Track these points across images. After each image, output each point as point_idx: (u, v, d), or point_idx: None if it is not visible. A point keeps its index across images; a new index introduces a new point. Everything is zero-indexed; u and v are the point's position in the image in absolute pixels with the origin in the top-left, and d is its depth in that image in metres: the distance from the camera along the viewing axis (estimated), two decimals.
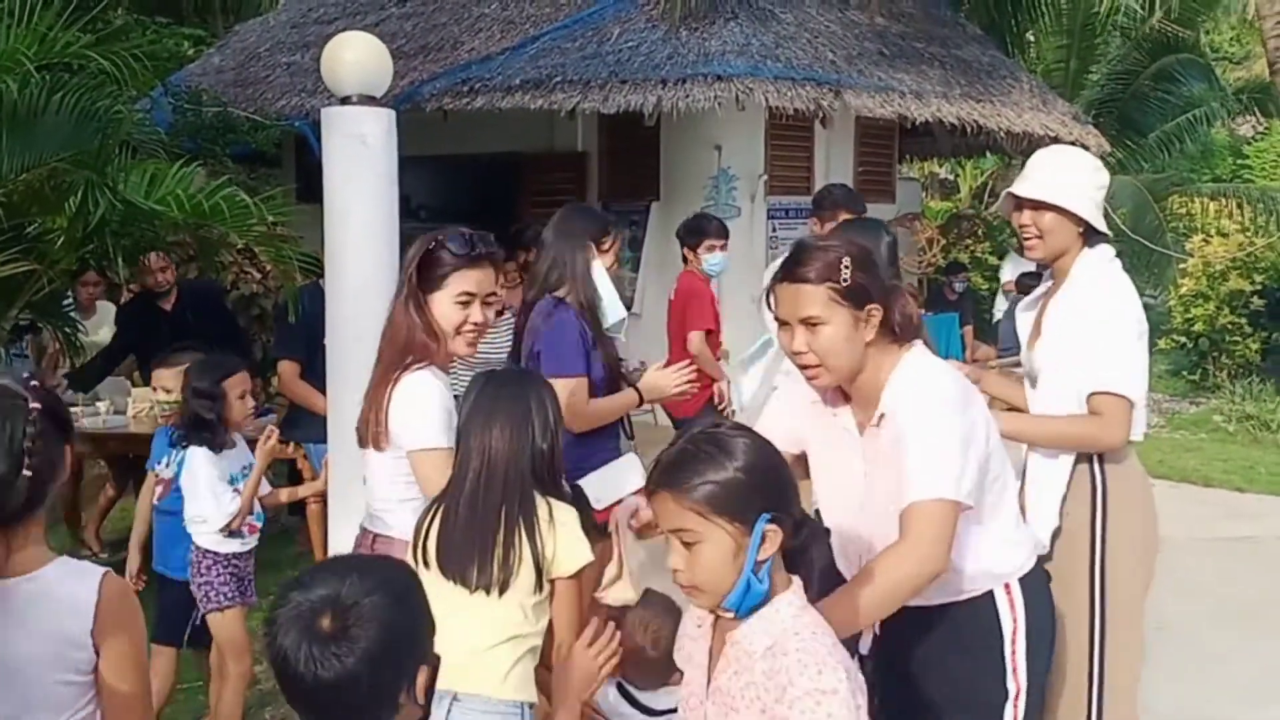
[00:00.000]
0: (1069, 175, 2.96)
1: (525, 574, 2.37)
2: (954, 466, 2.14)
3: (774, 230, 9.23)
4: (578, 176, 9.70)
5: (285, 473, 6.20)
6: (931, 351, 2.32)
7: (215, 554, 3.72)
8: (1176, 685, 4.44)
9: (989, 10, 13.12)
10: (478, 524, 2.36)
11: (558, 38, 8.82)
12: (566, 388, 3.11)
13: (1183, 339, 11.30)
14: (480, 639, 2.36)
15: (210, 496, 3.68)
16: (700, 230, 5.81)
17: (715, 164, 8.98)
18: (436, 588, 2.28)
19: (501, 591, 2.36)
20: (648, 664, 2.72)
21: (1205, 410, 10.27)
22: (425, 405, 2.63)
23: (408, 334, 2.70)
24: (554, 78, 8.32)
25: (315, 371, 4.46)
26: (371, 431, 2.71)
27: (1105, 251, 2.97)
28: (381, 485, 2.75)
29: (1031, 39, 15.19)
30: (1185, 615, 5.10)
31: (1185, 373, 11.47)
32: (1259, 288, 10.90)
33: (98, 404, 5.87)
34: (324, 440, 3.93)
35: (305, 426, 4.81)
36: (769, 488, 1.78)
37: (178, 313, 6.07)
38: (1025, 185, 2.98)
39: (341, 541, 3.66)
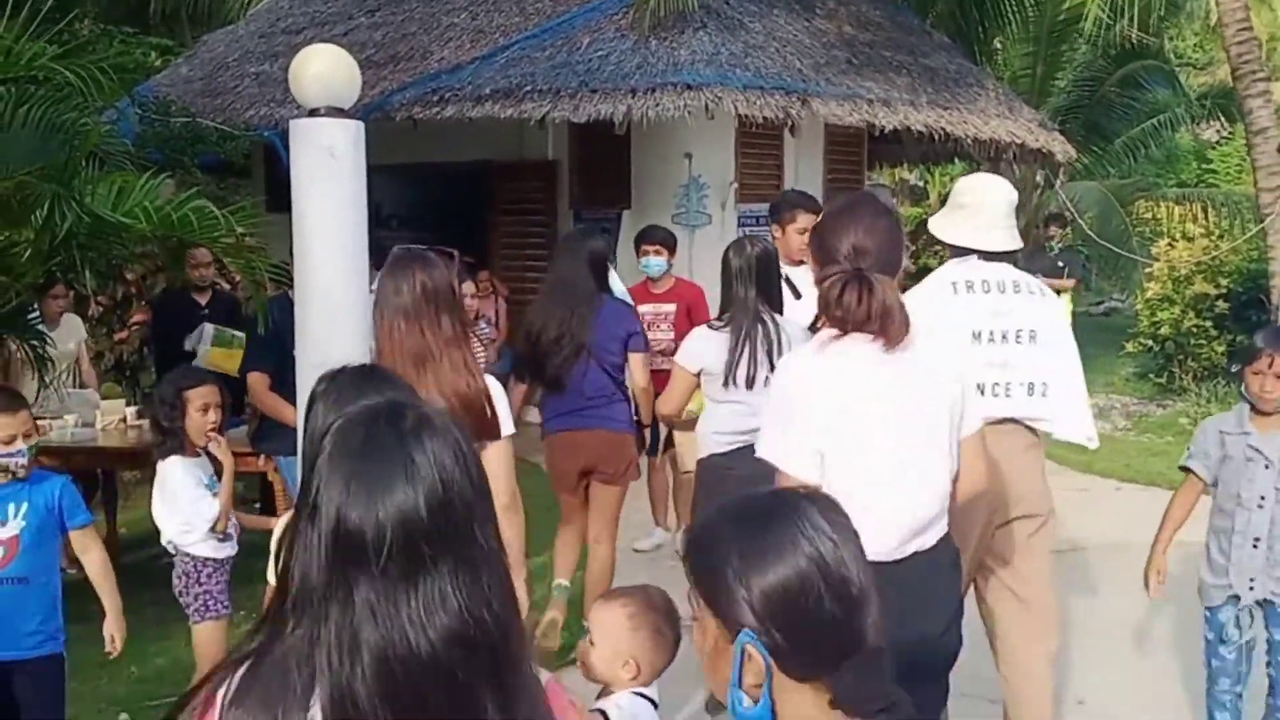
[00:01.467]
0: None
1: None
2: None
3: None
4: (548, 185, 9.72)
5: (256, 485, 6.19)
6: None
7: (215, 560, 3.75)
8: (1139, 688, 4.50)
9: (956, 18, 13.26)
10: None
11: (527, 47, 8.85)
12: None
13: (1149, 342, 11.42)
14: None
15: (192, 502, 3.70)
16: (639, 237, 6.13)
17: (686, 172, 9.03)
18: None
19: None
20: (657, 663, 2.50)
21: (1172, 413, 10.38)
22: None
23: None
24: (524, 87, 8.34)
25: (285, 383, 4.46)
26: None
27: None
28: None
29: (999, 46, 15.33)
30: (1150, 618, 5.17)
31: (1152, 376, 11.59)
32: (1224, 291, 11.03)
33: (65, 417, 5.83)
34: (294, 453, 3.92)
35: (276, 439, 4.81)
36: (770, 604, 1.33)
37: (214, 309, 6.74)
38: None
39: None
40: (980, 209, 3.43)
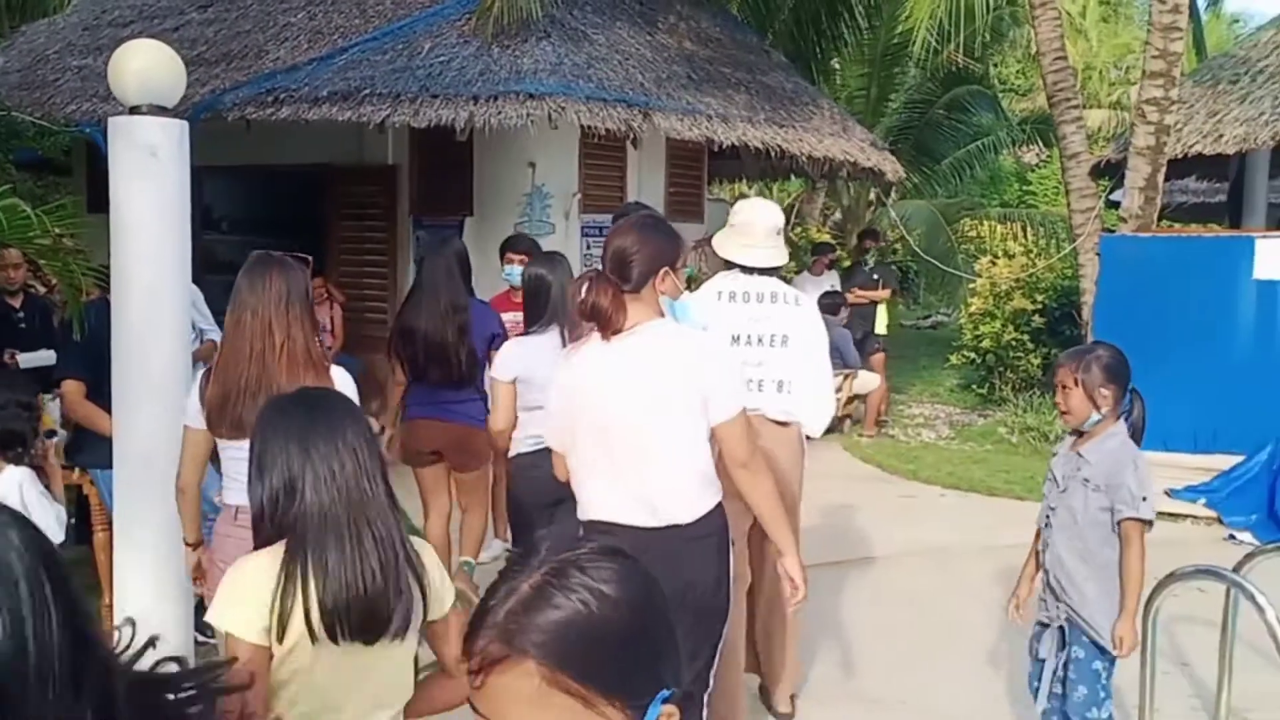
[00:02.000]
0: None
1: None
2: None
3: (588, 248, 9.32)
4: (388, 190, 9.56)
5: (73, 499, 5.88)
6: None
7: None
8: (961, 687, 4.70)
9: (794, 38, 13.64)
10: None
11: (367, 50, 8.68)
12: None
13: (972, 355, 11.95)
14: None
15: (47, 512, 3.51)
16: (505, 245, 6.28)
17: (529, 181, 9.01)
18: None
19: None
20: None
21: (991, 423, 10.89)
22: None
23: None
24: (363, 90, 8.19)
25: (102, 392, 4.26)
26: None
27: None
28: None
29: (836, 67, 15.84)
30: (972, 619, 5.41)
31: (974, 387, 12.13)
32: (1040, 306, 11.63)
33: None
34: (111, 465, 3.76)
35: (91, 450, 4.58)
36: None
37: (28, 314, 6.20)
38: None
39: (128, 571, 3.52)
40: (746, 228, 3.89)
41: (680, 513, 2.90)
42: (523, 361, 4.21)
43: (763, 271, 3.87)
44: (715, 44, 10.57)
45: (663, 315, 3.04)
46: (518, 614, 1.11)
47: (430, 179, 9.43)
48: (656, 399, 2.89)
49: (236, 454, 2.86)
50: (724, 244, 3.95)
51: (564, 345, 4.07)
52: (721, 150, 9.78)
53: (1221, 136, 9.73)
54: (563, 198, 9.09)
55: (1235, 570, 4.03)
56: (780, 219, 4.00)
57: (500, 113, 7.76)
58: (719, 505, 3.00)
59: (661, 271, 2.96)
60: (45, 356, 5.77)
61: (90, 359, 4.55)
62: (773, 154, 9.67)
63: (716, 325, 3.75)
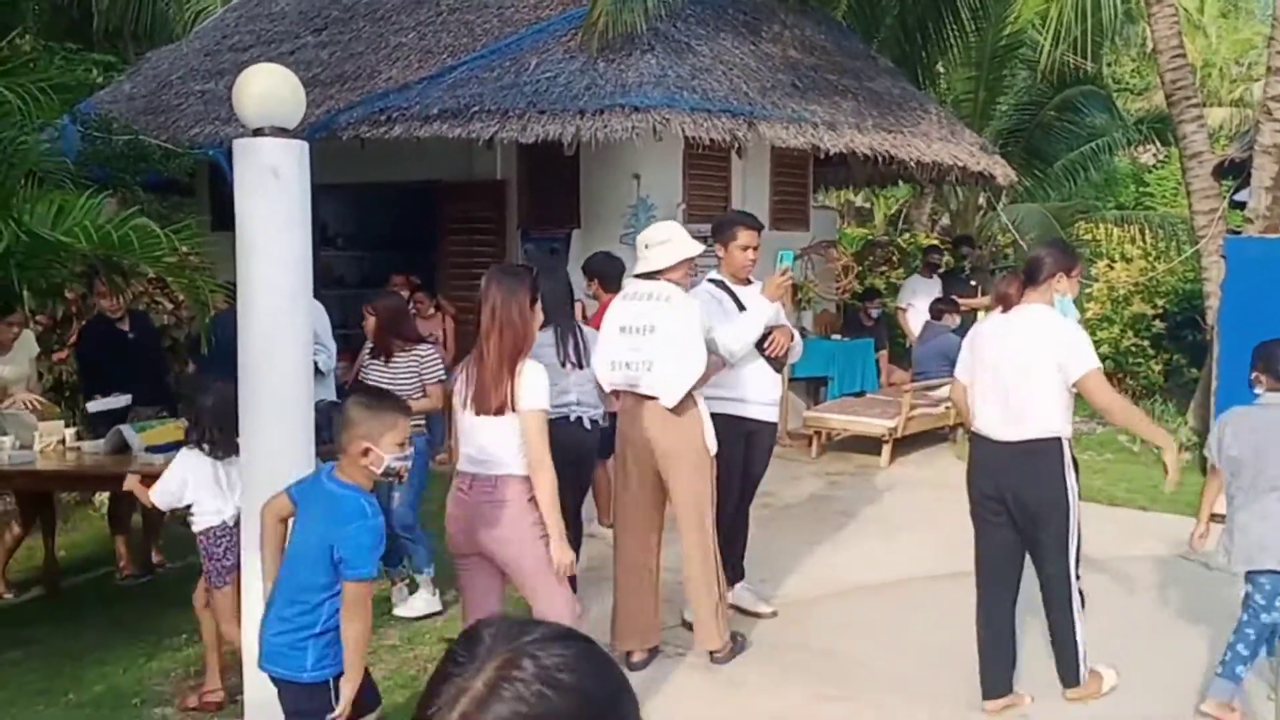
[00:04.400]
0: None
1: None
2: None
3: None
4: (497, 204, 9.73)
5: None
6: None
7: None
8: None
9: (900, 43, 13.46)
10: None
11: (475, 67, 8.86)
12: None
13: None
14: None
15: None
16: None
17: (634, 192, 9.07)
18: None
19: None
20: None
21: (1110, 431, 10.54)
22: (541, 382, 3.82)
23: (526, 335, 3.83)
24: (472, 107, 8.35)
25: None
26: (495, 404, 3.75)
27: None
28: (500, 441, 3.80)
29: (941, 71, 15.59)
30: (1095, 631, 5.25)
31: None
32: (1160, 311, 11.28)
33: (2, 439, 5.70)
34: None
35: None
36: None
37: (136, 333, 6.40)
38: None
39: (255, 596, 3.57)
40: (639, 246, 4.87)
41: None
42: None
43: (650, 275, 4.77)
44: (820, 51, 10.51)
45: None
46: (473, 716, 1.02)
47: (538, 193, 9.57)
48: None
49: None
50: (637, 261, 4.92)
51: (557, 342, 5.07)
52: (828, 157, 9.72)
53: None
54: (667, 208, 9.12)
55: None
56: (657, 233, 4.88)
57: (606, 126, 7.84)
58: None
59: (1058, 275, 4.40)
60: (115, 401, 6.01)
61: (226, 367, 4.73)
62: (880, 160, 9.58)
63: (610, 320, 4.87)
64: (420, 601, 5.46)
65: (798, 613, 5.59)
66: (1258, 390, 4.48)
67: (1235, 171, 10.32)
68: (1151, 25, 10.30)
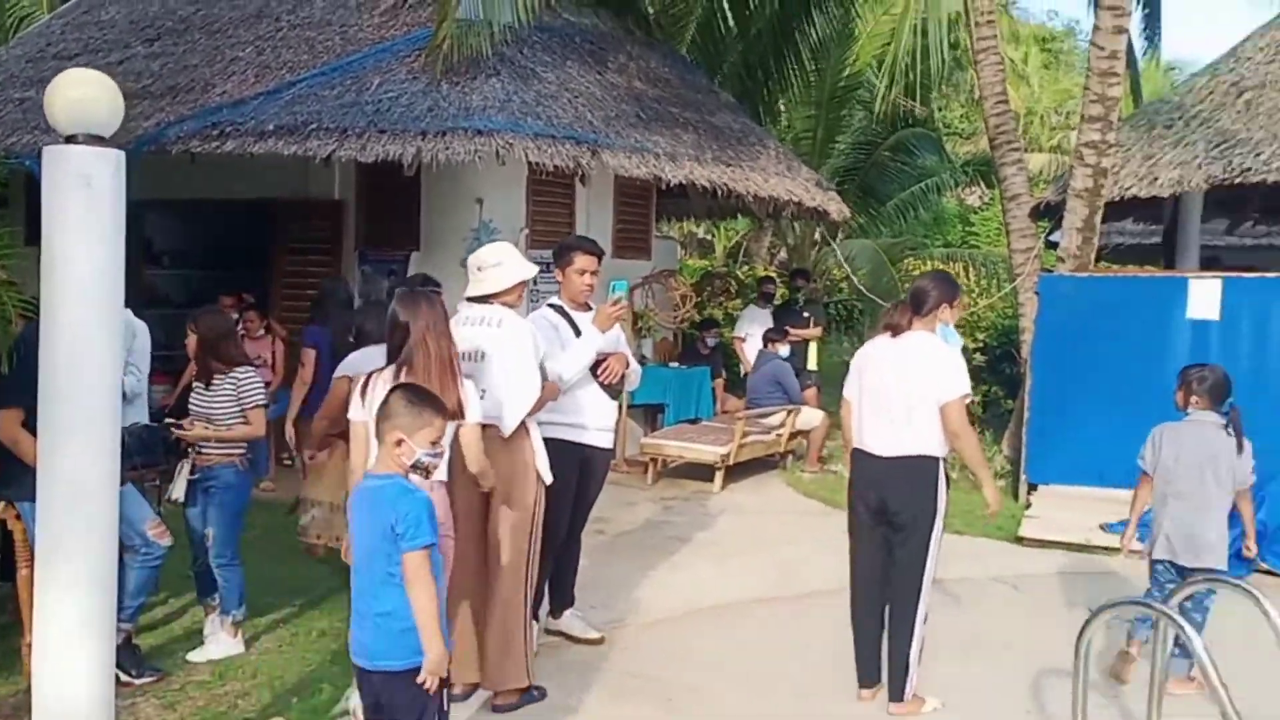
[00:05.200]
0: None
1: None
2: None
3: (535, 284, 9.31)
4: (334, 224, 9.53)
5: None
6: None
7: None
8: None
9: (742, 79, 13.83)
10: None
11: (315, 85, 8.68)
12: None
13: None
14: None
15: None
16: None
17: (476, 216, 9.02)
18: None
19: None
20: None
21: None
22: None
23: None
24: (310, 124, 8.17)
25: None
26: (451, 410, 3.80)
27: None
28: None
29: (783, 108, 16.06)
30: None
31: None
32: (981, 345, 11.79)
33: None
34: (35, 498, 3.66)
35: (17, 483, 4.46)
36: None
37: None
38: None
39: (50, 609, 3.43)
40: (471, 269, 4.81)
41: None
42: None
43: (481, 299, 4.72)
44: (664, 84, 10.69)
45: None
46: None
47: (376, 214, 9.42)
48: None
49: None
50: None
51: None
52: (669, 188, 9.87)
53: (1156, 180, 9.97)
54: (510, 233, 9.10)
55: (1164, 601, 4.11)
56: (490, 255, 4.78)
57: (448, 149, 7.77)
58: None
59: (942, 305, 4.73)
60: None
61: (26, 386, 4.45)
62: (719, 192, 9.77)
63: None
64: (221, 645, 5.20)
65: (628, 638, 5.60)
66: (1189, 410, 5.01)
67: (1051, 213, 10.94)
68: (978, 73, 10.86)
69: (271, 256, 9.91)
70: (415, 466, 3.31)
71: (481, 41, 8.27)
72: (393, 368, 4.08)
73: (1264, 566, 6.67)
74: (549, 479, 4.72)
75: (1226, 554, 4.87)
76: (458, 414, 4.03)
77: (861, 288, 13.55)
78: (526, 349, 4.64)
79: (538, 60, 9.19)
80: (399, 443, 3.28)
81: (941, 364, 4.67)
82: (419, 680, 3.20)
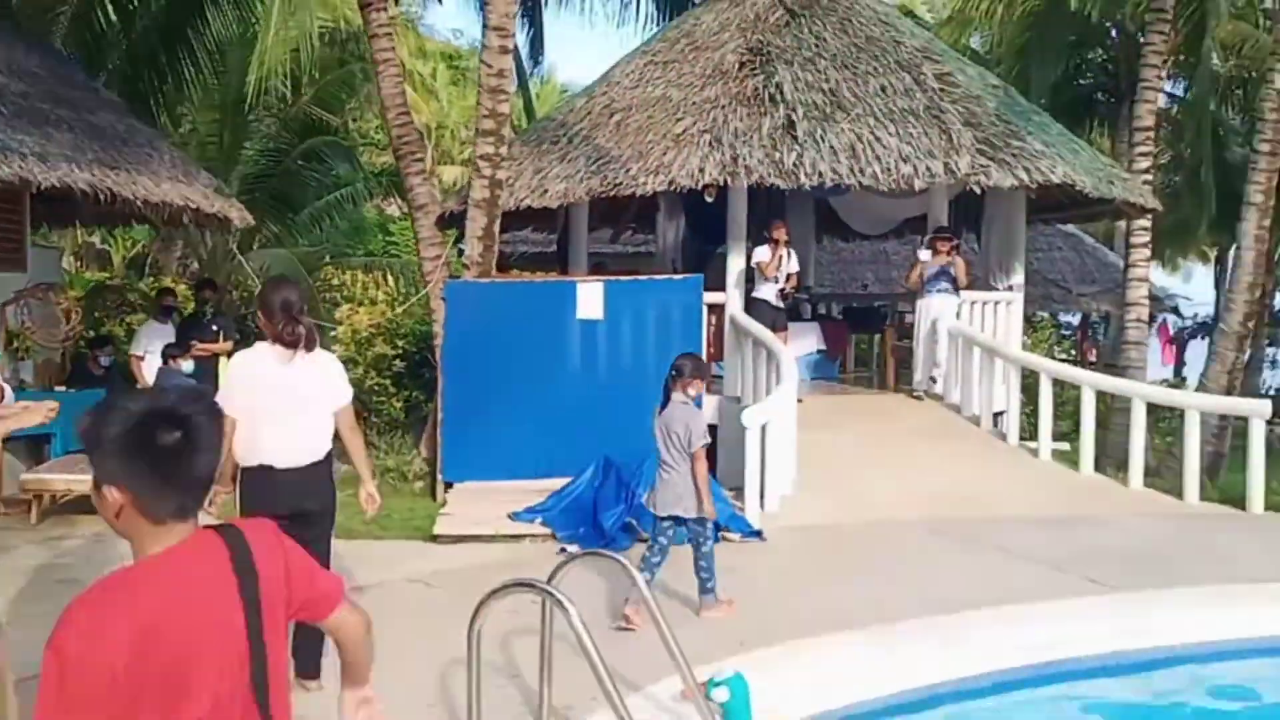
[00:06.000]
0: None
1: None
2: None
3: None
4: None
5: None
6: None
7: None
8: None
9: (131, 79, 12.83)
10: None
11: None
12: None
13: None
14: None
15: None
16: None
17: None
18: None
19: None
20: None
21: (351, 471, 10.96)
22: None
23: None
24: None
25: None
26: None
27: None
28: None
29: (186, 112, 15.17)
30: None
31: None
32: (400, 351, 11.98)
33: None
34: None
35: None
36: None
37: None
38: None
39: None
40: None
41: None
42: None
43: None
44: (32, 78, 9.59)
45: None
46: None
47: None
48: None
49: None
50: None
51: None
52: (48, 193, 8.85)
53: (546, 191, 10.72)
54: None
55: (549, 580, 4.38)
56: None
57: None
58: None
59: None
60: None
61: None
62: (104, 198, 8.95)
63: None
64: None
65: None
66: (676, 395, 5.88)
67: (457, 222, 11.37)
68: (379, 84, 10.96)
69: None
70: None
71: None
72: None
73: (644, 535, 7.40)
74: None
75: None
76: None
77: None
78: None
79: None
80: None
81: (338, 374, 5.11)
82: None
